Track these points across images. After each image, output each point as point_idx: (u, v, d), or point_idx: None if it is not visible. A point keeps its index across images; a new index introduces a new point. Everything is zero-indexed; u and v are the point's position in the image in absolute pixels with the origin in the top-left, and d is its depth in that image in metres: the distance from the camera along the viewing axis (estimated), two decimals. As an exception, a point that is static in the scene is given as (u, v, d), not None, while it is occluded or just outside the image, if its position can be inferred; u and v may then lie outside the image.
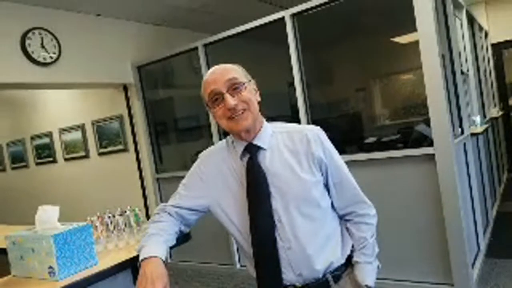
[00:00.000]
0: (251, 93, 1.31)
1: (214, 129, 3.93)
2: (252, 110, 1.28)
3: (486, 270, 3.11)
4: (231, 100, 1.25)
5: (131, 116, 4.57)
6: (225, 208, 1.36)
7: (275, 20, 3.38)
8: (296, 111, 3.40)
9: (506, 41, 6.13)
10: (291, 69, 3.36)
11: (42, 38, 3.63)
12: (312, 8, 3.21)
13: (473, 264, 3.03)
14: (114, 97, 4.68)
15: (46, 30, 3.68)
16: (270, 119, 1.42)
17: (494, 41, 6.12)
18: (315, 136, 1.34)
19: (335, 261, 1.33)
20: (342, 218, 1.42)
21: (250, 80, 1.33)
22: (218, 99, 1.27)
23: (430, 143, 2.82)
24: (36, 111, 5.79)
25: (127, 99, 4.55)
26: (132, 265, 1.45)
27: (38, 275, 1.43)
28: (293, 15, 3.30)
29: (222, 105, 1.27)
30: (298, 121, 3.35)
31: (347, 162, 1.42)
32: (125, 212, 1.74)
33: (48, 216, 1.42)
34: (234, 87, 1.26)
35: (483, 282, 2.93)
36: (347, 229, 1.42)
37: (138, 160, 4.61)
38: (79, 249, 1.43)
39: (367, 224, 1.40)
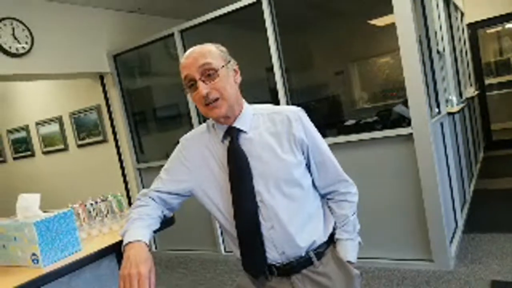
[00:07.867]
0: (226, 78, 1.28)
1: (194, 117, 3.91)
2: (226, 97, 1.27)
3: (463, 245, 3.20)
4: (203, 89, 1.24)
5: (108, 106, 4.51)
6: (207, 192, 1.36)
7: (251, 4, 3.35)
8: (275, 96, 3.41)
9: (482, 21, 6.09)
10: (269, 54, 3.35)
11: (13, 29, 3.53)
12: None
13: (451, 240, 3.12)
14: (91, 87, 4.59)
15: (17, 20, 3.57)
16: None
17: (470, 21, 6.09)
18: (296, 116, 1.34)
19: (318, 239, 1.34)
20: (324, 197, 1.43)
21: (229, 62, 1.31)
22: (193, 84, 1.27)
23: (408, 123, 2.87)
24: (11, 104, 5.64)
25: (104, 88, 4.48)
26: (116, 250, 1.44)
27: (22, 263, 1.42)
28: (271, -2, 3.28)
29: (197, 91, 1.26)
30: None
31: (328, 145, 1.43)
32: (107, 198, 1.73)
33: (29, 204, 1.40)
34: (208, 73, 1.25)
35: (461, 257, 3.02)
36: (329, 207, 1.43)
37: (118, 150, 4.56)
38: (62, 236, 1.41)
39: (348, 201, 1.42)
